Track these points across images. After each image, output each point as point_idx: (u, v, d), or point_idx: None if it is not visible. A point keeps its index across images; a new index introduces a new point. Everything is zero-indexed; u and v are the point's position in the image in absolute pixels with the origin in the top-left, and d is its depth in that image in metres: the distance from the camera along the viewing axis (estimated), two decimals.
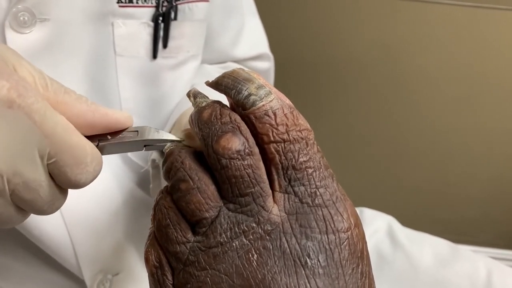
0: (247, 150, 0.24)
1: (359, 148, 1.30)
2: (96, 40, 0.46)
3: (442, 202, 1.34)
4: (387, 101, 1.24)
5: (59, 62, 0.45)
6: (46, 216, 0.44)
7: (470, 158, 1.29)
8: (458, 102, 1.23)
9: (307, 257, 0.23)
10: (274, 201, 0.24)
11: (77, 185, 0.25)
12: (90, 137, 0.26)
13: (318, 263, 0.23)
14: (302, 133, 0.25)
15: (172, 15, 0.49)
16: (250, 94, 0.25)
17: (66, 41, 0.45)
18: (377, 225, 0.64)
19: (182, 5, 0.49)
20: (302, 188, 0.24)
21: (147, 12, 0.47)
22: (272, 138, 0.24)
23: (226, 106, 0.26)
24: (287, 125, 0.25)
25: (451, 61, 1.19)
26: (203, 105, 0.26)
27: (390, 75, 1.21)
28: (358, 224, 0.25)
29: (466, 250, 0.61)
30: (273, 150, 0.24)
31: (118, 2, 0.46)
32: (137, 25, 0.47)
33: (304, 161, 0.24)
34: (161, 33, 0.49)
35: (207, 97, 0.27)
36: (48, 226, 0.47)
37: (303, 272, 0.23)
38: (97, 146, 0.26)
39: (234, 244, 0.24)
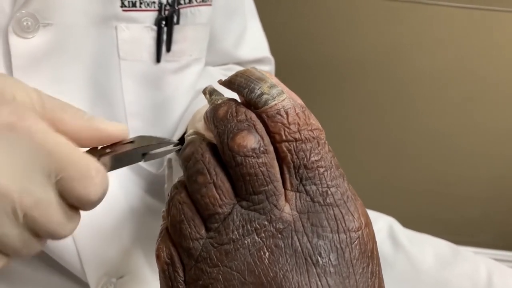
0: (262, 148, 0.24)
1: (359, 150, 1.30)
2: (99, 44, 0.46)
3: (443, 203, 1.35)
4: (387, 102, 1.24)
5: (63, 67, 0.45)
6: None
7: (471, 159, 1.29)
8: (458, 103, 1.23)
9: (318, 256, 0.23)
10: (286, 200, 0.24)
11: (89, 200, 0.24)
12: (90, 154, 0.26)
13: (329, 261, 0.23)
14: (313, 133, 0.25)
15: (175, 19, 0.49)
16: (262, 93, 0.25)
17: (69, 45, 0.45)
18: (378, 226, 0.64)
19: (184, 10, 0.49)
20: (314, 187, 0.24)
21: (150, 16, 0.48)
22: (284, 137, 0.24)
23: (242, 104, 0.26)
24: (299, 124, 0.25)
25: (451, 62, 1.19)
26: (218, 102, 0.26)
27: (389, 76, 1.21)
28: (368, 224, 0.25)
29: (466, 251, 0.62)
30: (285, 149, 0.24)
31: (121, 6, 0.46)
32: (140, 29, 0.47)
33: (315, 160, 0.24)
34: (165, 37, 0.49)
35: (222, 94, 0.28)
36: None
37: (314, 270, 0.23)
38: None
39: (246, 242, 0.24)
